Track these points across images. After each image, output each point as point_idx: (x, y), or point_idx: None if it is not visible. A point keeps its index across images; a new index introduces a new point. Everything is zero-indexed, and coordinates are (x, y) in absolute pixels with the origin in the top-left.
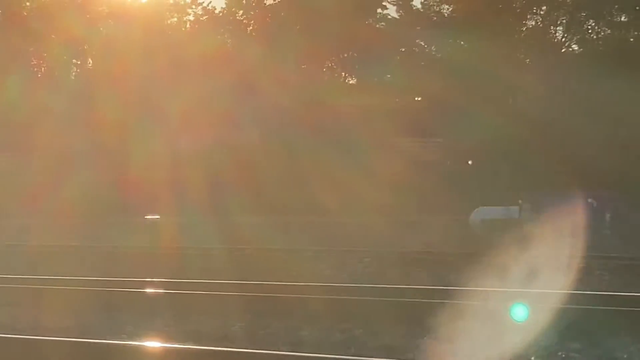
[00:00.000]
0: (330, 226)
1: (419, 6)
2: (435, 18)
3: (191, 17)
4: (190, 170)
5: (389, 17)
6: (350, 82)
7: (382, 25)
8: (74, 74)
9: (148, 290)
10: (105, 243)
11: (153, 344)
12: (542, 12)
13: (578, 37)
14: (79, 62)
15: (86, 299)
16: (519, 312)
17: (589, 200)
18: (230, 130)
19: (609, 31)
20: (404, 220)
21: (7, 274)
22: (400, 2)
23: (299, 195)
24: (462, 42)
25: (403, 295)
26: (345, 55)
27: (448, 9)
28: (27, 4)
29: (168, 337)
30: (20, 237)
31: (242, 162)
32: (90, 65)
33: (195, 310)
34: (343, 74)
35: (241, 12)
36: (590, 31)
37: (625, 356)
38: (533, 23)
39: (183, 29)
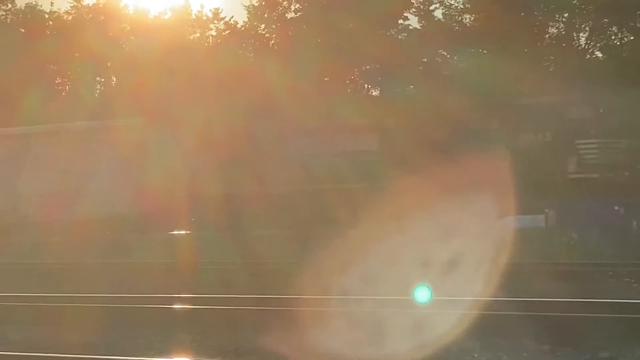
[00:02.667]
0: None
1: (441, 17)
2: (457, 28)
3: (213, 32)
4: (211, 185)
5: (411, 28)
6: (373, 94)
7: (404, 36)
8: (97, 91)
9: (175, 306)
10: (127, 259)
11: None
12: (564, 20)
13: (601, 43)
14: (102, 80)
15: (110, 315)
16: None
17: (616, 207)
18: (250, 145)
19: (632, 37)
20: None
21: (34, 292)
22: (422, 13)
23: (318, 209)
24: (484, 52)
25: None
26: (367, 67)
27: (470, 18)
28: (50, 22)
29: (196, 353)
30: (41, 256)
31: (262, 176)
32: (113, 82)
33: (222, 325)
34: (366, 86)
35: (263, 26)
36: (613, 38)
37: None
38: (555, 31)
39: (205, 44)
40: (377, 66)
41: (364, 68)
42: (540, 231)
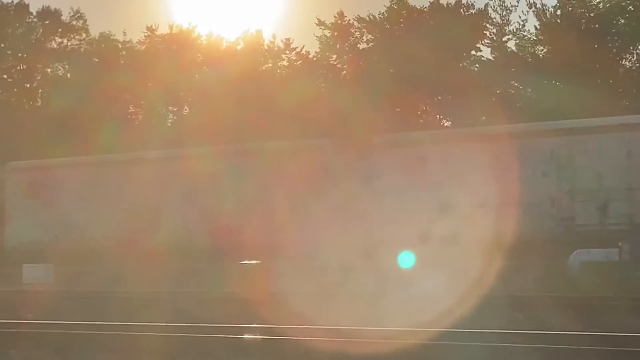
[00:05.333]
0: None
1: (514, 48)
2: (530, 59)
3: (285, 62)
4: (283, 215)
5: (484, 59)
6: (445, 125)
7: (477, 67)
8: (170, 121)
9: (246, 336)
10: (199, 289)
11: None
12: (638, 51)
13: None
14: (175, 109)
15: (181, 345)
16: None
17: None
18: (322, 176)
19: None
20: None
21: (107, 320)
22: (495, 45)
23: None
24: (557, 83)
25: None
26: (440, 97)
27: (542, 50)
28: (123, 52)
29: None
30: (116, 285)
31: (334, 206)
32: (186, 111)
33: (289, 356)
34: (438, 116)
35: (335, 56)
36: None
37: None
38: (629, 64)
39: (277, 74)
40: (450, 97)
41: (436, 99)
42: (613, 265)
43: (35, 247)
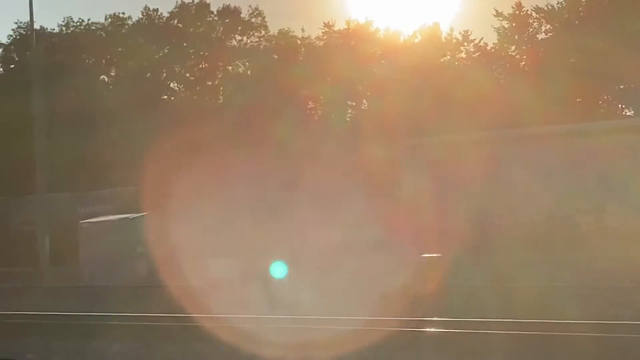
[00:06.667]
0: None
1: None
2: None
3: (463, 55)
4: (461, 208)
5: None
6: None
7: None
8: (348, 116)
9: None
10: (377, 282)
11: None
12: None
13: None
14: (353, 104)
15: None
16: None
17: None
18: (500, 167)
19: None
20: None
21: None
22: None
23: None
24: None
25: None
26: (622, 87)
27: None
28: (302, 48)
29: None
30: None
31: (513, 199)
32: (365, 106)
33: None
34: (620, 106)
35: (513, 47)
36: None
37: None
38: None
39: (455, 66)
40: (632, 86)
41: (617, 88)
42: None
43: None
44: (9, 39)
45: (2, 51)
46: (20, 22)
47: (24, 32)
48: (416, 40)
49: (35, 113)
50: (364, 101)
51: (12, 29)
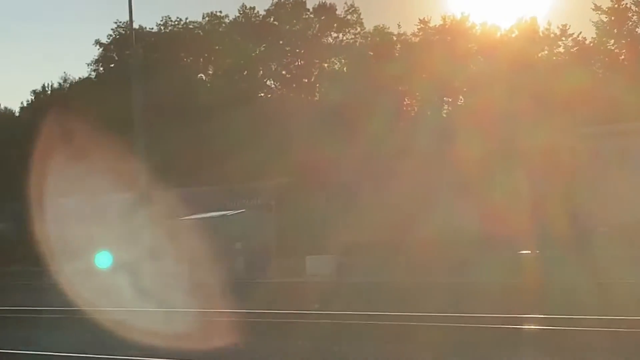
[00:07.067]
0: None
1: None
2: None
3: (561, 49)
4: (554, 205)
5: None
6: None
7: None
8: (445, 112)
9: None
10: (472, 278)
11: None
12: None
13: None
14: (449, 100)
15: (448, 335)
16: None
17: None
18: (597, 164)
19: None
20: None
21: (384, 310)
22: None
23: None
24: None
25: None
26: None
27: None
28: (398, 45)
29: None
30: (388, 274)
31: (610, 196)
32: (461, 102)
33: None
34: None
35: (612, 41)
36: None
37: None
38: None
39: (552, 61)
40: None
41: None
42: None
43: None
44: (108, 39)
45: (103, 50)
46: (120, 22)
47: (124, 32)
48: (513, 35)
49: (134, 111)
50: (460, 97)
51: (112, 29)
